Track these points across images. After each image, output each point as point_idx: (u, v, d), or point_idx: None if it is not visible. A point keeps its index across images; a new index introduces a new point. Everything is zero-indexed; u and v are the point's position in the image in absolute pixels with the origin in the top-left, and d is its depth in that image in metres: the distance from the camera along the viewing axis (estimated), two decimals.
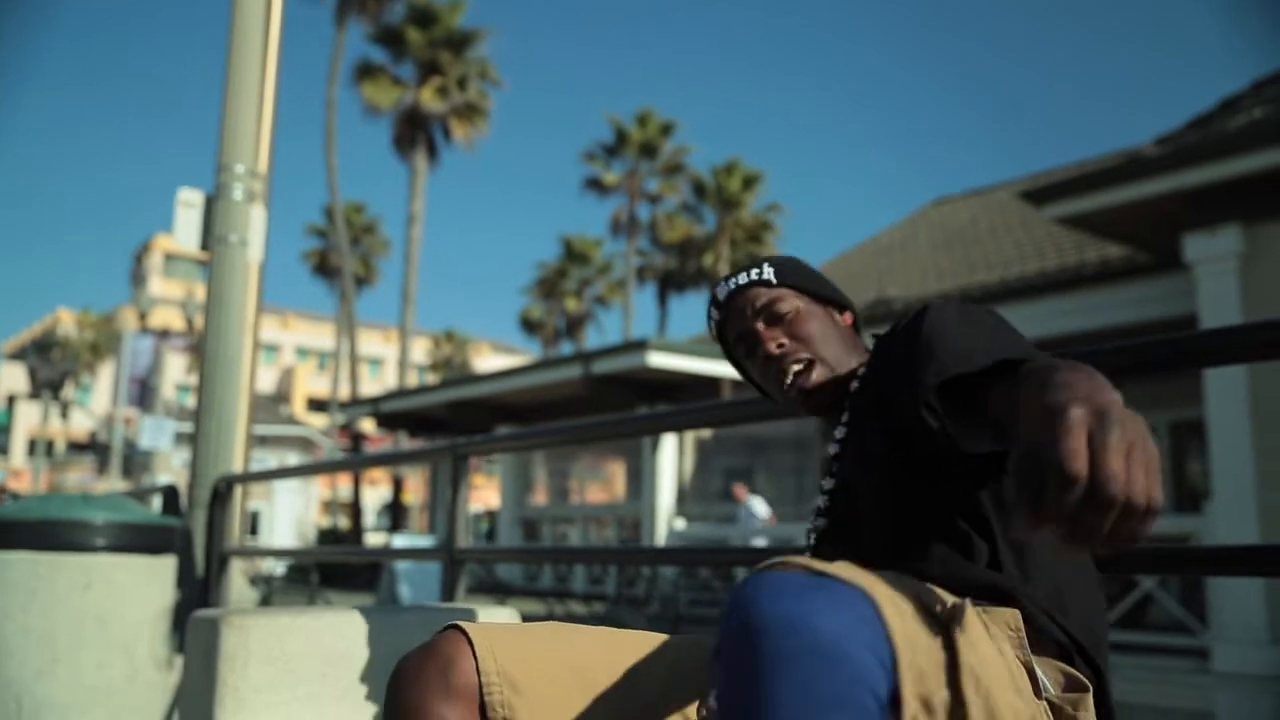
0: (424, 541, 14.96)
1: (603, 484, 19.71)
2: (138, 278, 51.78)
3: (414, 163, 28.11)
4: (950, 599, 0.95)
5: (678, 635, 1.31)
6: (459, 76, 28.31)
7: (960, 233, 15.04)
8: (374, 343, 52.57)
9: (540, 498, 18.93)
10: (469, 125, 28.78)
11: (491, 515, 23.98)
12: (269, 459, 29.88)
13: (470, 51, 28.70)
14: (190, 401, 33.70)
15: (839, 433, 1.38)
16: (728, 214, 34.56)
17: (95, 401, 47.49)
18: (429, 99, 27.75)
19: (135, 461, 25.98)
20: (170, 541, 3.86)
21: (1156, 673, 7.45)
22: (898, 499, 1.21)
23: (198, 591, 4.12)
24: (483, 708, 1.12)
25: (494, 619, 1.92)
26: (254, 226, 4.68)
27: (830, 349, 1.40)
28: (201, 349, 4.63)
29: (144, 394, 23.11)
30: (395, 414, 19.37)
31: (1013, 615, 1.05)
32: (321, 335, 53.63)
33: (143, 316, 23.24)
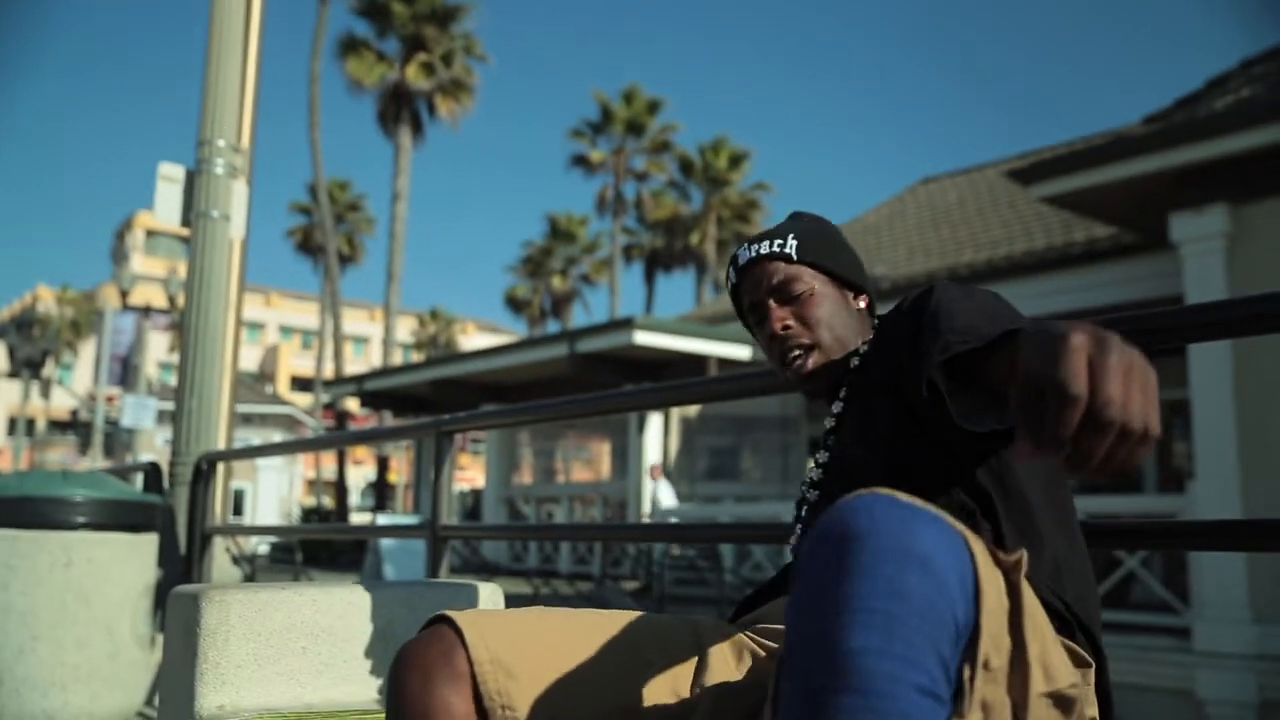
0: (408, 520, 14.94)
1: (588, 463, 19.71)
2: (119, 255, 51.39)
3: (399, 139, 27.92)
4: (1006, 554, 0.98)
5: (667, 614, 1.30)
6: (444, 52, 28.09)
7: (948, 212, 15.04)
8: (359, 321, 52.39)
9: (526, 477, 18.93)
10: (454, 102, 28.59)
11: (476, 494, 23.99)
12: (253, 438, 29.77)
13: (455, 26, 28.48)
14: (173, 380, 33.53)
15: (835, 408, 1.39)
16: (715, 192, 34.52)
17: (77, 380, 47.20)
18: (414, 75, 27.55)
19: (118, 440, 25.86)
20: (152, 519, 3.83)
21: (1139, 651, 7.50)
22: (897, 473, 1.20)
23: (180, 570, 4.09)
24: (478, 696, 1.10)
25: (477, 596, 1.89)
26: (236, 202, 4.62)
27: (835, 335, 1.40)
28: (184, 326, 4.58)
29: (126, 372, 22.97)
30: (380, 392, 19.32)
31: None
32: (306, 313, 53.40)
33: (124, 294, 23.05)
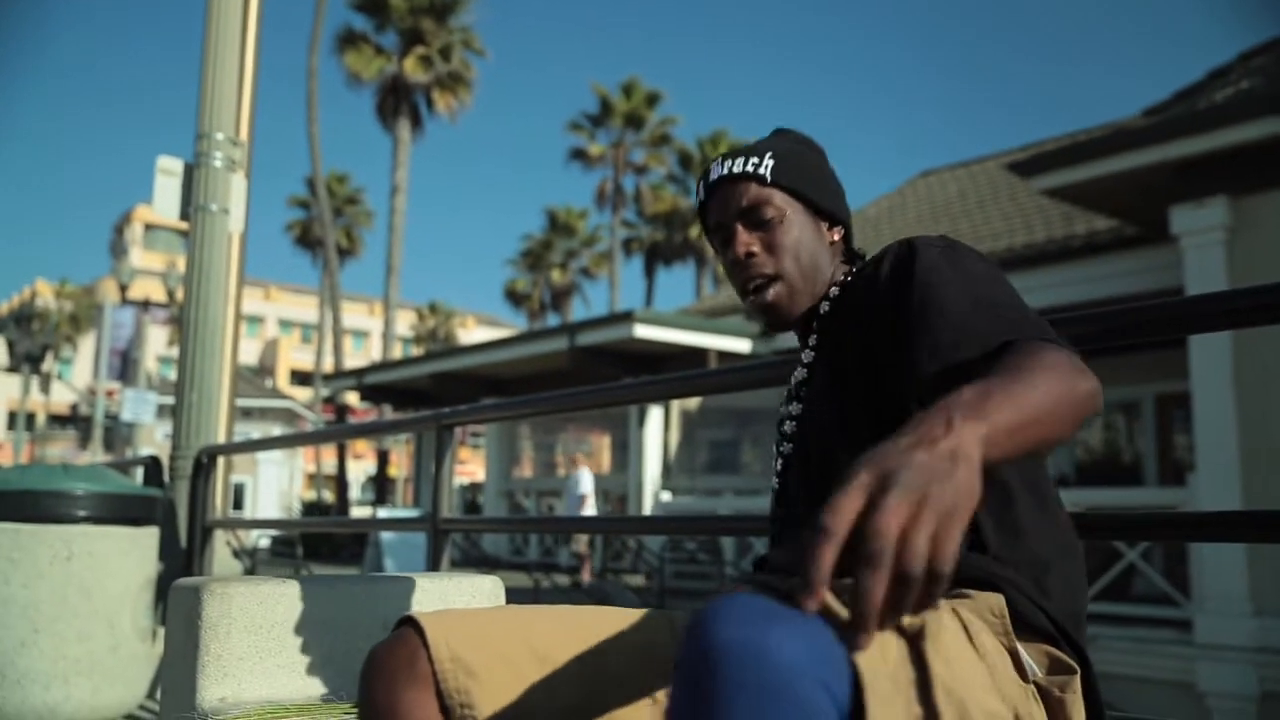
0: (409, 514, 14.95)
1: (588, 456, 19.72)
2: (118, 249, 51.34)
3: (397, 133, 27.89)
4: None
5: (650, 610, 1.27)
6: (442, 45, 28.05)
7: (948, 204, 15.03)
8: (358, 315, 52.37)
9: (526, 470, 18.94)
10: (452, 96, 28.56)
11: (475, 488, 23.98)
12: (253, 432, 29.78)
13: (453, 20, 28.44)
14: (172, 374, 33.54)
15: (805, 356, 1.35)
16: None
17: (76, 374, 47.19)
18: (412, 69, 27.51)
19: (117, 434, 25.83)
20: (152, 513, 3.83)
21: (1139, 644, 7.51)
22: (864, 445, 1.13)
23: (180, 563, 4.09)
24: (441, 696, 1.10)
25: (478, 589, 1.89)
26: (235, 195, 4.62)
27: (800, 266, 1.32)
28: (183, 319, 4.58)
29: (125, 366, 22.95)
30: (380, 386, 19.32)
31: (996, 601, 1.02)
32: (305, 307, 53.38)
33: (123, 288, 23.01)
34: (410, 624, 1.13)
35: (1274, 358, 7.19)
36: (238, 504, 28.71)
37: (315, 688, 1.68)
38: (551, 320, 41.26)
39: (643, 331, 13.38)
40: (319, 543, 17.31)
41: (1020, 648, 1.01)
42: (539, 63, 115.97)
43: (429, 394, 18.17)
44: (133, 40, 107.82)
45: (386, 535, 12.20)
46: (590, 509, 12.57)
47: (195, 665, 1.63)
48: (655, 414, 14.49)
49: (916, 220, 15.05)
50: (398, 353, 34.37)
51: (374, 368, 19.69)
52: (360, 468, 40.45)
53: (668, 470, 14.84)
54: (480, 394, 17.38)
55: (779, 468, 1.37)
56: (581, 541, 13.65)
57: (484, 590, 1.89)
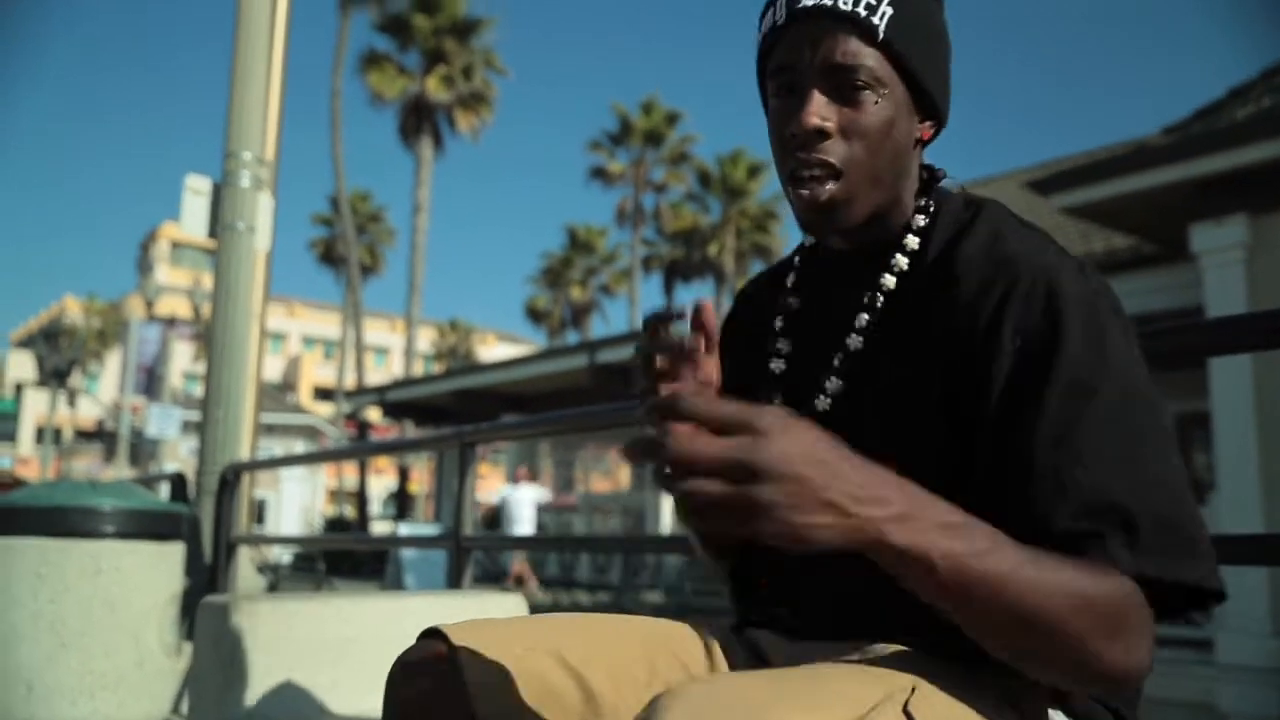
0: (430, 530, 15.00)
1: (607, 474, 19.74)
2: (144, 266, 51.86)
3: (419, 152, 28.12)
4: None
5: (671, 621, 1.14)
6: (464, 65, 28.28)
7: None
8: (380, 332, 52.65)
9: (545, 487, 18.98)
10: (474, 115, 28.78)
11: (493, 509, 24.02)
12: (275, 448, 29.95)
13: (475, 40, 28.69)
14: (197, 390, 33.79)
15: (861, 321, 1.04)
16: (733, 203, 34.55)
17: (102, 389, 47.61)
18: (434, 88, 27.74)
19: (142, 449, 26.06)
20: (178, 528, 3.88)
21: (1159, 664, 7.39)
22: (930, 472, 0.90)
23: (205, 578, 4.15)
24: (468, 709, 1.00)
25: (500, 607, 1.93)
26: (261, 214, 4.69)
27: (876, 166, 1.00)
28: (209, 337, 4.65)
29: (151, 382, 23.17)
30: (401, 403, 19.43)
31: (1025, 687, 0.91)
32: (328, 324, 53.70)
33: (150, 304, 23.28)
34: (437, 635, 1.03)
35: None
36: (260, 519, 28.87)
37: (339, 705, 1.72)
38: (571, 337, 41.35)
39: None
40: (340, 558, 17.38)
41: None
42: (560, 81, 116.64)
43: (450, 411, 18.26)
44: (161, 58, 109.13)
45: (407, 551, 12.24)
46: (528, 523, 12.50)
47: (222, 681, 1.68)
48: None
49: None
50: (419, 369, 34.54)
51: (396, 385, 19.81)
52: (381, 483, 40.59)
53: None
54: (501, 411, 17.45)
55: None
56: (517, 559, 13.54)
57: (507, 608, 1.93)
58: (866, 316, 1.03)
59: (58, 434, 40.92)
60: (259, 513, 28.63)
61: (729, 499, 0.67)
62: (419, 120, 28.12)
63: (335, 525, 27.10)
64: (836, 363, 1.04)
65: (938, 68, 1.02)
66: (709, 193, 35.68)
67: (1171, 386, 10.29)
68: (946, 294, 0.97)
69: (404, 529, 15.44)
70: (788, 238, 34.75)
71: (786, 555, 0.78)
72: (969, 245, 0.98)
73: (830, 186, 0.98)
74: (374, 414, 24.09)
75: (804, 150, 0.98)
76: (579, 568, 15.16)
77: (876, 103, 0.97)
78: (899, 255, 1.03)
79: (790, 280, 1.15)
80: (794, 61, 0.99)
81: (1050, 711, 0.93)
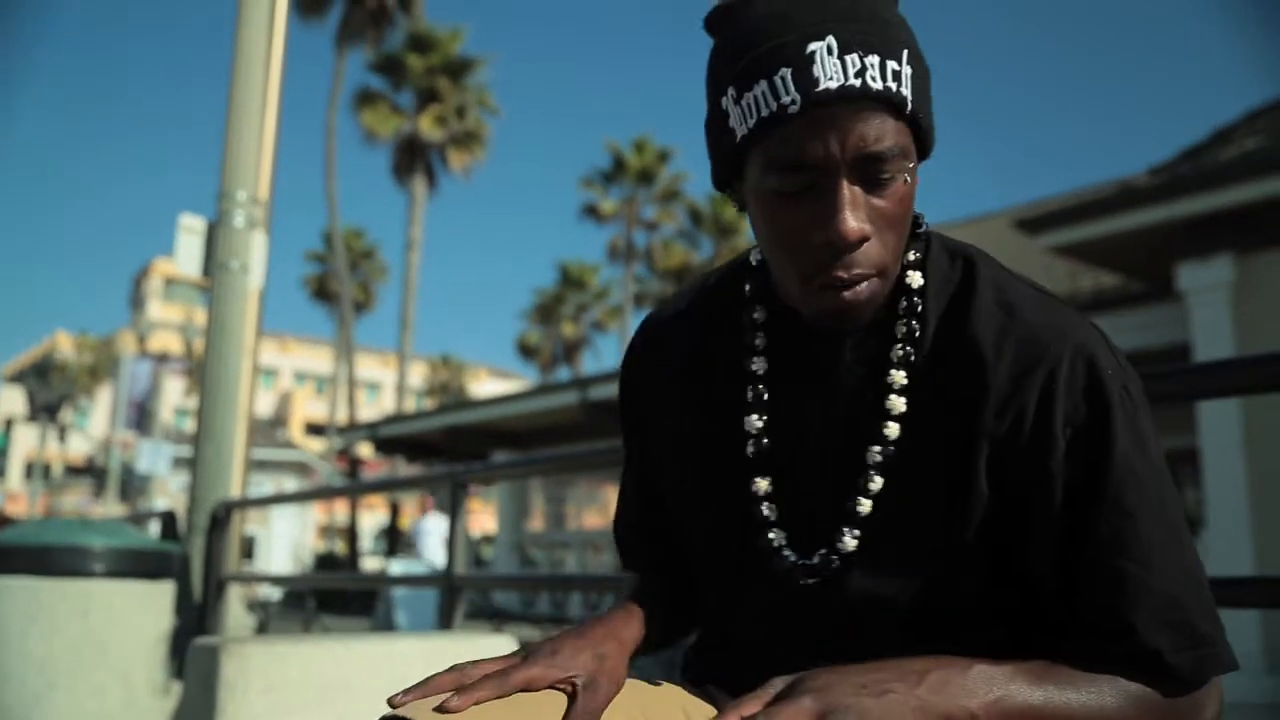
0: (421, 568, 14.93)
1: (599, 508, 19.69)
2: (136, 301, 51.84)
3: (413, 189, 28.26)
4: None
5: (659, 683, 0.99)
6: (457, 105, 28.48)
7: None
8: (372, 367, 52.59)
9: (537, 523, 18.90)
10: (467, 153, 28.95)
11: (487, 540, 23.91)
12: (266, 483, 29.81)
13: (468, 79, 28.90)
14: (188, 425, 33.68)
15: (896, 404, 0.90)
16: (724, 241, 34.76)
17: (93, 425, 47.41)
18: (428, 127, 27.92)
19: (132, 485, 25.93)
20: (168, 567, 3.88)
21: None
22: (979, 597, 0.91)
23: (194, 617, 4.13)
24: None
25: (491, 649, 1.94)
26: (255, 253, 4.73)
27: (899, 251, 0.88)
28: (201, 375, 4.66)
29: (142, 417, 23.11)
30: (393, 439, 19.38)
31: None
32: (320, 359, 53.64)
33: (141, 340, 23.28)
34: None
35: None
36: (249, 555, 28.68)
37: None
38: (563, 373, 41.37)
39: None
40: (331, 595, 17.26)
41: None
42: (552, 119, 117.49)
43: (441, 447, 18.22)
44: (159, 92, 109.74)
45: (398, 588, 12.17)
46: (437, 552, 12.58)
47: None
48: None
49: None
50: (411, 404, 34.49)
51: (387, 420, 19.77)
52: (372, 518, 40.40)
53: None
54: (492, 446, 17.42)
55: (830, 561, 0.92)
56: None
57: (497, 649, 1.94)
58: (891, 402, 0.90)
59: (47, 469, 40.69)
60: (249, 549, 28.45)
61: None
62: (412, 159, 28.28)
63: (326, 561, 26.92)
64: (876, 457, 0.90)
65: (930, 118, 0.87)
66: (700, 230, 35.87)
67: (1161, 422, 10.33)
68: (975, 371, 0.87)
69: (395, 567, 15.36)
70: None
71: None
72: (982, 313, 0.89)
73: (868, 286, 0.86)
74: (366, 450, 24.01)
75: (841, 258, 0.83)
76: (570, 605, 15.08)
77: (905, 182, 0.84)
78: (903, 321, 0.91)
79: (753, 338, 0.98)
80: (815, 157, 0.82)
81: None
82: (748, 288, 1.00)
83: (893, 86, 0.81)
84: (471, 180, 30.88)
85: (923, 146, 0.87)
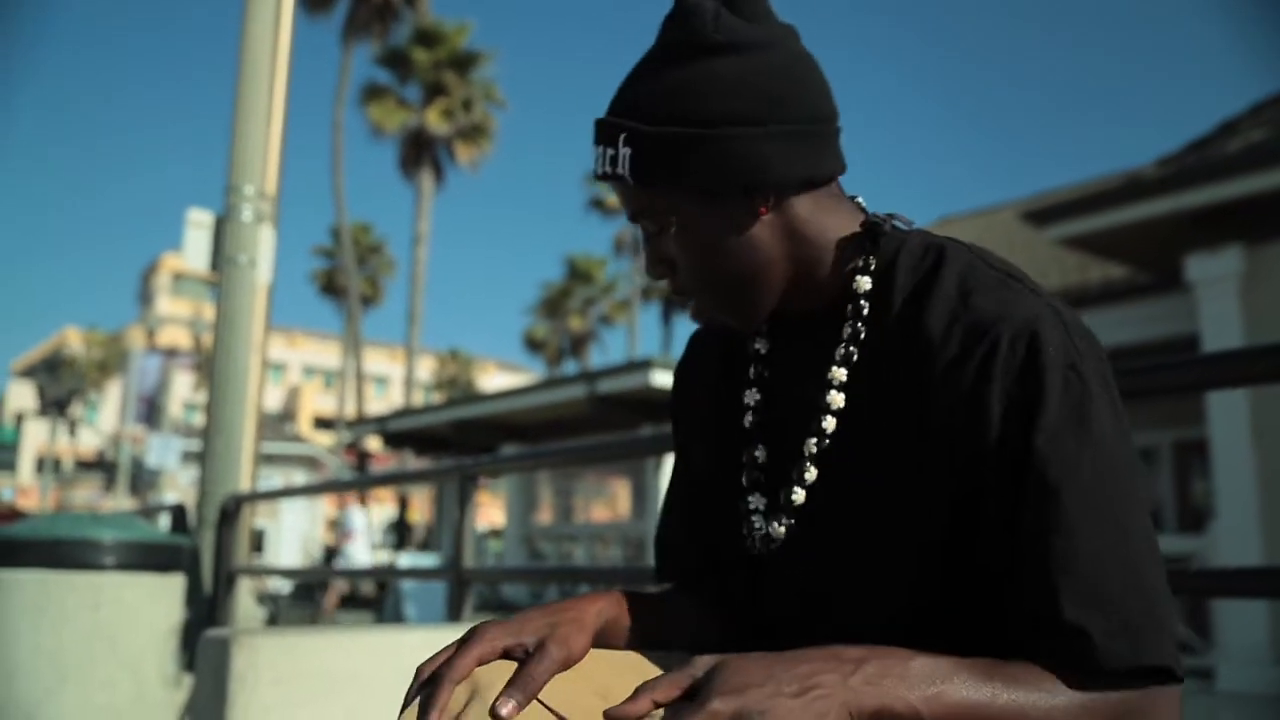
0: (429, 560, 14.97)
1: (607, 502, 19.72)
2: (145, 296, 52.00)
3: (420, 183, 28.27)
4: None
5: (658, 654, 1.03)
6: (464, 98, 28.48)
7: None
8: (380, 361, 52.68)
9: (545, 516, 18.93)
10: (474, 147, 28.96)
11: (495, 533, 23.97)
12: (275, 477, 29.90)
13: (475, 73, 28.90)
14: (197, 419, 33.77)
15: (835, 400, 0.96)
16: None
17: (103, 419, 47.58)
18: (434, 121, 27.93)
19: (142, 479, 26.02)
20: (179, 560, 3.90)
21: None
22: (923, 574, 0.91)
23: (205, 610, 4.15)
24: None
25: None
26: (263, 247, 4.74)
27: (716, 276, 0.96)
28: (210, 369, 4.68)
29: (151, 412, 23.19)
30: (401, 433, 19.42)
31: None
32: (328, 354, 53.75)
33: (150, 335, 23.34)
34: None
35: None
36: (259, 548, 28.77)
37: None
38: (570, 366, 41.41)
39: (661, 379, 13.42)
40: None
41: None
42: (559, 113, 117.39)
43: (449, 440, 18.25)
44: (165, 86, 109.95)
45: (407, 581, 12.22)
46: (361, 546, 12.72)
47: (222, 716, 1.69)
48: (672, 461, 14.49)
49: None
50: (419, 399, 34.55)
51: (396, 414, 19.81)
52: (381, 512, 40.50)
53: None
54: (500, 440, 17.45)
55: (758, 543, 1.00)
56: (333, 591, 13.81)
57: None
58: (829, 398, 0.96)
59: (58, 464, 40.86)
60: (258, 542, 28.54)
61: None
62: (419, 152, 28.29)
63: (334, 555, 27.01)
64: (811, 448, 0.96)
65: (721, 153, 0.91)
66: None
67: (1169, 414, 10.32)
68: (922, 361, 0.90)
69: (404, 559, 15.40)
70: None
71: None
72: (938, 304, 0.91)
73: (695, 303, 1.00)
74: (374, 444, 24.06)
75: (669, 286, 1.00)
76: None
77: (674, 230, 0.95)
78: (849, 324, 0.97)
79: (758, 344, 1.07)
80: (628, 214, 1.00)
81: None
82: None
83: (609, 169, 0.95)
84: (478, 174, 30.93)
85: (707, 192, 0.92)
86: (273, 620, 11.45)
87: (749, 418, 1.04)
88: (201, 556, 4.23)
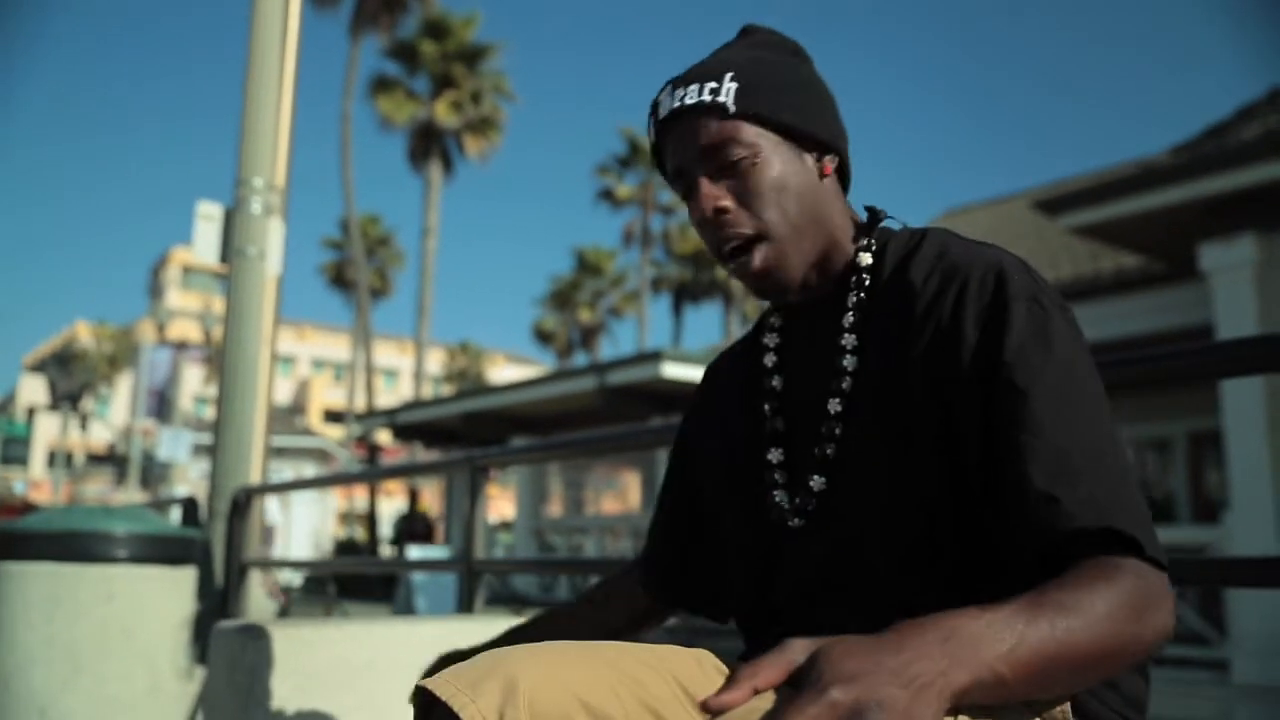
0: (439, 553, 14.99)
1: (617, 494, 19.72)
2: (155, 290, 52.16)
3: (428, 176, 28.25)
4: None
5: (678, 647, 1.07)
6: (473, 90, 28.45)
7: None
8: (389, 354, 52.77)
9: (555, 508, 18.95)
10: (482, 139, 28.92)
11: (506, 526, 24.01)
12: (285, 470, 30.00)
13: (484, 65, 28.85)
14: (207, 413, 33.89)
15: (847, 362, 1.05)
16: None
17: (113, 413, 47.78)
18: (443, 113, 27.90)
19: (153, 473, 26.12)
20: (190, 552, 3.90)
21: (1175, 685, 7.41)
22: (937, 526, 0.98)
23: (217, 602, 4.15)
24: None
25: None
26: (272, 239, 4.73)
27: (790, 218, 1.05)
28: (220, 362, 4.68)
29: (161, 405, 23.26)
30: (411, 425, 19.45)
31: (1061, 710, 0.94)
32: (337, 347, 53.86)
33: (160, 329, 23.41)
34: (428, 695, 0.92)
35: None
36: (269, 541, 28.87)
37: None
38: (580, 358, 41.41)
39: (671, 370, 13.42)
40: (350, 580, 17.37)
41: None
42: (567, 105, 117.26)
43: (459, 433, 18.28)
44: (174, 82, 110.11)
45: (418, 574, 12.24)
46: (293, 538, 12.61)
47: (236, 707, 1.68)
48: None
49: None
50: (429, 391, 34.60)
51: (406, 407, 19.84)
52: (391, 505, 40.64)
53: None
54: (510, 432, 17.46)
55: (783, 518, 1.08)
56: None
57: None
58: (845, 361, 1.06)
59: (69, 457, 41.05)
60: (269, 535, 28.65)
61: None
62: (428, 145, 28.26)
63: (345, 548, 27.09)
64: (835, 407, 1.05)
65: (806, 108, 1.08)
66: None
67: (1184, 405, 10.27)
68: (908, 307, 1.01)
69: (414, 552, 15.44)
70: None
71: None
72: (919, 263, 1.03)
73: (758, 255, 1.06)
74: (384, 436, 24.12)
75: (718, 230, 1.06)
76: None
77: (754, 164, 1.04)
78: (853, 294, 1.07)
79: (768, 339, 1.19)
80: (679, 164, 1.08)
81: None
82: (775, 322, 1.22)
83: (709, 99, 1.05)
84: (487, 166, 30.87)
85: (796, 135, 1.07)
86: (284, 612, 11.48)
87: (769, 403, 1.14)
88: (213, 549, 4.23)
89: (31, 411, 47.15)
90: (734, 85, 1.05)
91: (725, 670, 1.05)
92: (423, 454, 24.50)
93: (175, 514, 4.99)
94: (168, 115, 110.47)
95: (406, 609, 12.14)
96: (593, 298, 42.10)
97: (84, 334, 48.85)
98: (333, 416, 50.46)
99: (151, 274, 53.85)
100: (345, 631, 1.75)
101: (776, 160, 1.05)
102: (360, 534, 30.16)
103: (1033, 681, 0.79)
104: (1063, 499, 0.87)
